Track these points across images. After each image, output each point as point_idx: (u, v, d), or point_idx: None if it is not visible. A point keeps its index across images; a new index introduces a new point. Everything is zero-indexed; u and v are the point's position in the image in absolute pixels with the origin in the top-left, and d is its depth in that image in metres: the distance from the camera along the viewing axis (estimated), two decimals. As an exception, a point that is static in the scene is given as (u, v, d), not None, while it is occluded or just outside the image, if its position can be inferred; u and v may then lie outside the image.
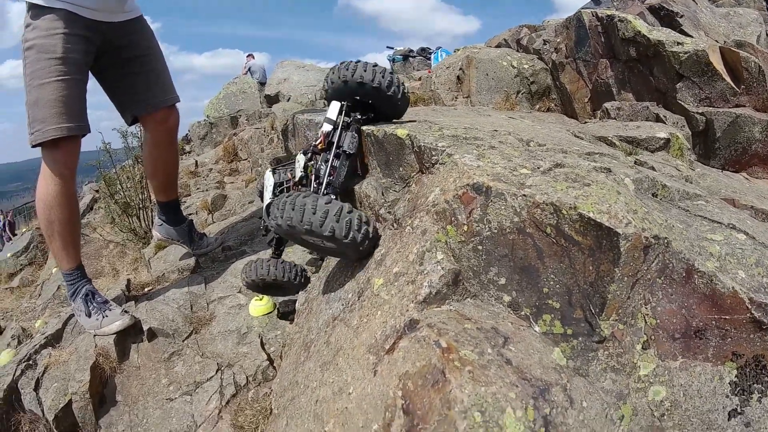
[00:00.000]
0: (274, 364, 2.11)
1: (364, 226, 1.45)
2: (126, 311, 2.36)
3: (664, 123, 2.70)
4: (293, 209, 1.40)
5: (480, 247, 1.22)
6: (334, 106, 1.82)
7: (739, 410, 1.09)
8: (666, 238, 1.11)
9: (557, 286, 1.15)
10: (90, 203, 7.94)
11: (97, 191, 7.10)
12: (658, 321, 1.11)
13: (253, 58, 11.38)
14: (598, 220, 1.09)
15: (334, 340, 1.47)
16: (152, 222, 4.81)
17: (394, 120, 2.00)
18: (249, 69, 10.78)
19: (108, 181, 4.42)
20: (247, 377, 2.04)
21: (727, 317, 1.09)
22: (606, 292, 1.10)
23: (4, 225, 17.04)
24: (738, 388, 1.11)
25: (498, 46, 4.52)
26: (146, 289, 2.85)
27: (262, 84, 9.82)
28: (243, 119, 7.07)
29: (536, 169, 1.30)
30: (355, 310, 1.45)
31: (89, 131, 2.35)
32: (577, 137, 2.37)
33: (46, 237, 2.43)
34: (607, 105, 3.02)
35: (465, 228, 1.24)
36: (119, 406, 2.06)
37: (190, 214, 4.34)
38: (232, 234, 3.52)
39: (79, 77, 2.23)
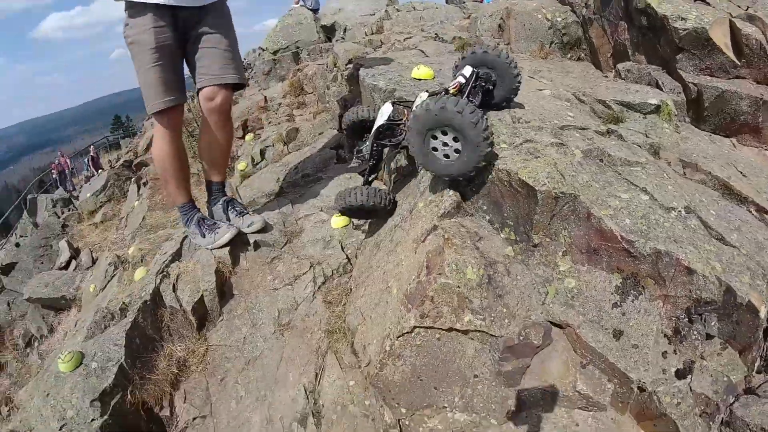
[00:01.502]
0: (351, 261, 3.06)
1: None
2: (232, 225, 3.24)
3: (661, 89, 3.36)
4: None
5: (474, 188, 2.20)
6: (467, 69, 2.39)
7: (619, 304, 2.04)
8: (573, 194, 2.05)
9: (512, 213, 2.14)
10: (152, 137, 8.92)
11: None
12: (572, 240, 2.08)
13: None
14: (527, 182, 2.06)
15: (396, 237, 2.54)
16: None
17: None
18: None
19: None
20: (332, 270, 3.01)
21: (610, 245, 2.02)
22: (533, 219, 2.09)
23: (89, 160, 19.27)
24: (620, 290, 2.05)
25: (543, -7, 5.10)
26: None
27: (316, 11, 10.42)
28: (305, 54, 7.92)
29: (511, 144, 2.26)
30: (407, 220, 2.50)
31: (185, 100, 3.12)
32: (580, 100, 3.15)
33: (162, 182, 3.36)
34: (620, 66, 3.69)
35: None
36: (236, 297, 3.09)
37: (267, 146, 5.33)
38: (308, 163, 4.41)
39: (171, 60, 2.94)
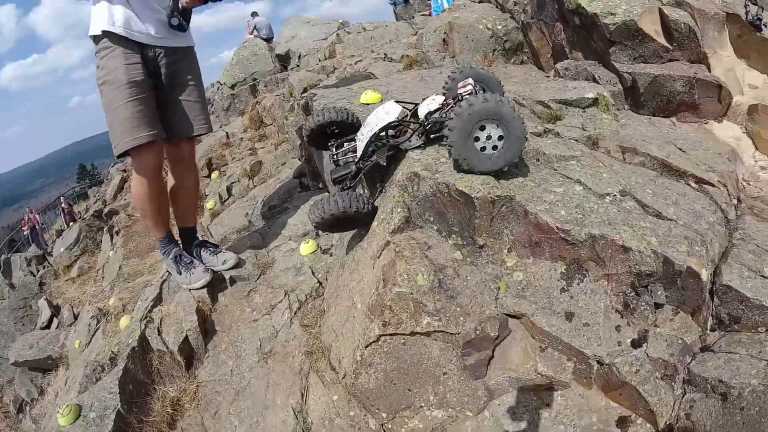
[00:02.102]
0: (322, 284, 3.23)
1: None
2: (207, 269, 3.29)
3: (598, 83, 3.62)
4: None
5: (419, 202, 2.38)
6: (470, 80, 2.56)
7: (566, 288, 2.24)
8: (509, 195, 2.27)
9: (456, 220, 2.33)
10: (120, 183, 9.10)
11: (124, 171, 8.18)
12: (515, 237, 2.29)
13: (257, 15, 12.02)
14: (464, 191, 2.26)
15: (357, 257, 2.71)
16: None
17: None
18: (255, 27, 11.54)
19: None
20: (305, 295, 3.17)
21: (549, 236, 2.23)
22: (474, 223, 2.30)
23: (63, 212, 19.32)
24: (565, 276, 2.25)
25: (481, 1, 5.38)
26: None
27: (270, 39, 10.75)
28: (262, 86, 8.14)
29: (450, 158, 2.44)
30: (365, 240, 2.67)
31: (163, 136, 2.98)
32: (519, 104, 3.36)
33: (141, 218, 3.34)
34: (558, 65, 3.95)
35: (411, 193, 2.40)
36: (219, 333, 3.23)
37: (233, 183, 5.50)
38: (274, 195, 4.60)
39: (146, 96, 2.87)
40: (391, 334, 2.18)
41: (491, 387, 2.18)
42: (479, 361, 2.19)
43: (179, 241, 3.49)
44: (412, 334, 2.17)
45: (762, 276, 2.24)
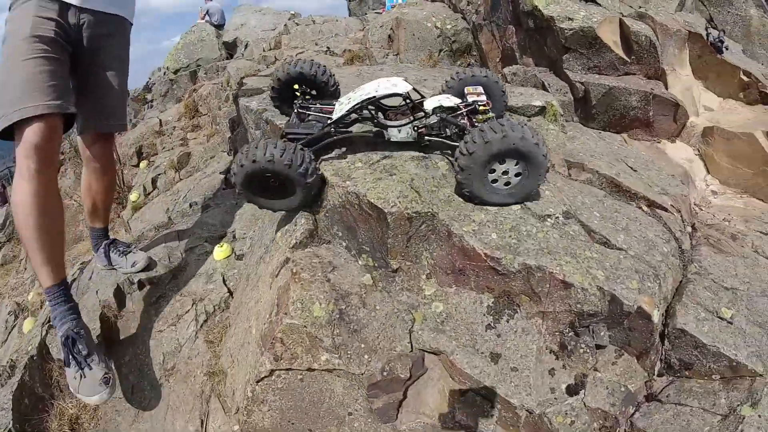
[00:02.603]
0: (233, 295, 2.85)
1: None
2: (108, 373, 2.25)
3: (547, 90, 3.35)
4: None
5: (327, 214, 2.01)
6: (479, 88, 2.42)
7: (493, 325, 1.89)
8: (430, 212, 1.94)
9: (367, 237, 1.96)
10: (61, 162, 8.44)
11: (62, 153, 7.59)
12: (435, 261, 1.91)
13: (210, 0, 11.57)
14: (376, 204, 1.88)
15: (259, 271, 2.30)
16: (123, 181, 5.51)
17: None
18: (207, 12, 11.03)
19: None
20: (214, 306, 2.78)
21: (475, 263, 1.87)
22: (387, 243, 1.91)
23: None
24: (493, 310, 1.91)
25: (434, 0, 5.09)
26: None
27: (221, 26, 10.31)
28: (202, 73, 7.65)
29: (367, 162, 2.10)
30: (268, 252, 2.27)
31: (70, 110, 2.18)
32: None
33: (23, 246, 2.53)
34: (506, 70, 3.67)
35: (319, 202, 2.01)
36: (124, 343, 2.82)
37: (159, 174, 5.04)
38: (197, 190, 4.18)
39: (50, 55, 2.10)
40: (285, 369, 1.82)
41: (403, 432, 1.82)
42: (388, 404, 1.83)
43: (77, 306, 2.50)
44: (310, 370, 1.81)
45: (719, 317, 1.99)
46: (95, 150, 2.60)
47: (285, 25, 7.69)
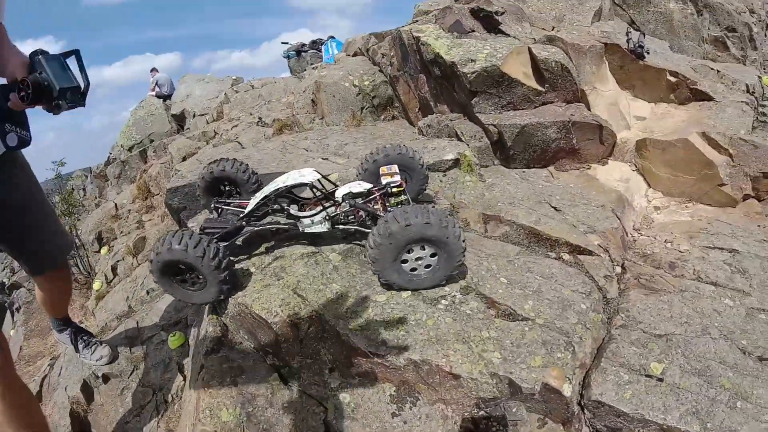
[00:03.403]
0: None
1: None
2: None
3: (461, 139, 3.28)
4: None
5: (231, 320, 2.09)
6: (395, 167, 2.41)
7: (397, 413, 1.78)
8: (315, 314, 1.96)
9: (267, 340, 2.00)
10: None
11: None
12: (333, 356, 1.92)
13: (157, 71, 11.83)
14: (261, 315, 1.96)
15: (194, 366, 2.25)
16: (89, 266, 5.50)
17: None
18: (156, 83, 11.35)
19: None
20: (172, 395, 2.81)
21: (367, 359, 1.81)
22: (282, 347, 1.97)
23: None
24: (395, 399, 1.81)
25: (355, 54, 5.09)
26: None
27: (171, 96, 10.58)
28: (151, 152, 7.68)
29: (259, 267, 2.13)
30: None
31: None
32: None
33: None
34: (420, 123, 3.62)
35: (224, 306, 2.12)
36: None
37: (118, 261, 5.03)
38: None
39: None
40: None
41: None
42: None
43: None
44: None
45: (647, 376, 1.87)
46: (46, 285, 2.55)
47: (225, 93, 7.76)
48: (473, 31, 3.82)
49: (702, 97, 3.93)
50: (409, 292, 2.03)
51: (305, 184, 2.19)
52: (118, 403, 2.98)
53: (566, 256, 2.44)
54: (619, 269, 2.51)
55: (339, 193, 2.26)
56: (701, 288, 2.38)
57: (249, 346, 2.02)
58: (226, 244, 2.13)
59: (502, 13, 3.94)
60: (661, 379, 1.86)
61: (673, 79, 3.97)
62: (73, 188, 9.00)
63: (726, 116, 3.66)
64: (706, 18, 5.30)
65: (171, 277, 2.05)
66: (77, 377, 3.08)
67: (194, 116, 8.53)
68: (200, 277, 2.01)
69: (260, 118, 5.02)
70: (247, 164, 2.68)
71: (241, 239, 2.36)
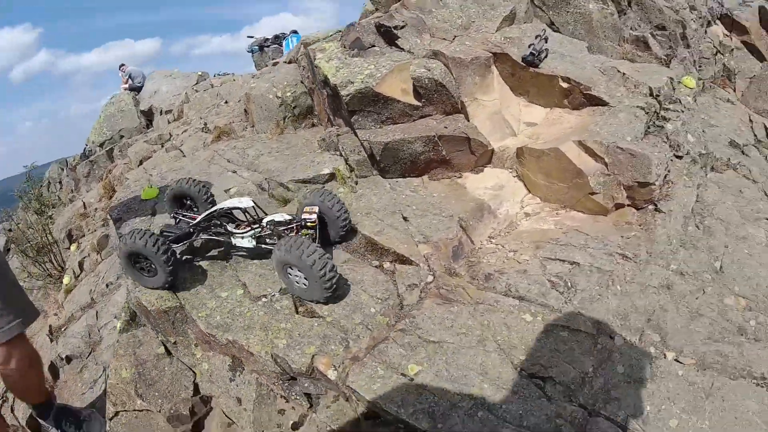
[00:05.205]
0: None
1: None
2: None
3: (341, 154, 3.96)
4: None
5: (136, 307, 3.16)
6: (316, 208, 3.15)
7: (233, 378, 2.84)
8: (178, 305, 2.95)
9: (155, 323, 3.06)
10: (6, 245, 9.40)
11: (10, 230, 8.50)
12: (195, 335, 3.00)
13: (127, 66, 12.57)
14: (143, 303, 2.99)
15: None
16: (62, 262, 6.44)
17: None
18: (130, 76, 12.12)
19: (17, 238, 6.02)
20: None
21: (209, 339, 2.76)
22: (161, 326, 3.04)
23: None
24: (232, 368, 2.86)
25: (290, 62, 5.76)
26: (62, 329, 4.53)
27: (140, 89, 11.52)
28: (117, 151, 8.58)
29: None
30: None
31: None
32: (262, 189, 3.78)
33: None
34: (318, 137, 4.29)
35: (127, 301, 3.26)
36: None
37: (84, 257, 5.91)
38: (111, 270, 5.00)
39: None
40: (122, 411, 2.86)
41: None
42: (183, 432, 2.80)
43: None
44: (136, 410, 2.83)
45: (401, 374, 2.40)
46: (10, 358, 2.59)
47: (186, 93, 8.56)
48: (373, 46, 4.46)
49: (597, 102, 4.26)
50: (242, 291, 2.99)
51: (239, 208, 3.11)
52: (77, 379, 3.81)
53: (387, 265, 3.10)
54: (430, 278, 3.06)
55: (265, 219, 3.08)
56: (502, 302, 2.87)
57: (148, 326, 3.04)
58: (175, 245, 3.06)
59: (402, 27, 4.50)
60: (412, 379, 2.35)
61: (565, 85, 4.31)
62: (49, 182, 10.00)
63: (616, 122, 3.97)
64: (630, 17, 5.67)
65: (133, 263, 2.94)
66: (46, 359, 3.99)
67: (161, 113, 9.37)
68: (153, 266, 2.89)
69: (205, 124, 5.77)
70: (203, 183, 3.55)
71: (188, 243, 3.29)
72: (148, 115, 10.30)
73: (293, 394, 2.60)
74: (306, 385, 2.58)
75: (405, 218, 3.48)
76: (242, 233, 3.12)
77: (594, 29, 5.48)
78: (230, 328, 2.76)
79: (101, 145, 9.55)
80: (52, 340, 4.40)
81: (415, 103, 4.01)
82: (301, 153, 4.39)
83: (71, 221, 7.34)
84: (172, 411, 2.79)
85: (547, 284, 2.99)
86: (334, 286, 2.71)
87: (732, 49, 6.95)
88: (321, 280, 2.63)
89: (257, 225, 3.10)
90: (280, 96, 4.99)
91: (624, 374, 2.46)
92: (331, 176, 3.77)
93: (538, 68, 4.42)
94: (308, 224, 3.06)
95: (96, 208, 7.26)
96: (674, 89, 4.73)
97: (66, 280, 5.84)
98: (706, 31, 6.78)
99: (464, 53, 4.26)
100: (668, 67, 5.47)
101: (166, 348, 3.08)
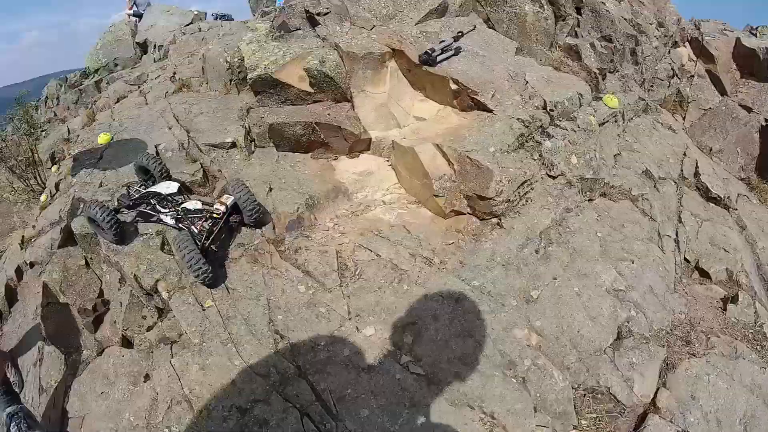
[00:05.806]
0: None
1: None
2: None
3: (245, 127, 4.82)
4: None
5: None
6: (230, 199, 3.95)
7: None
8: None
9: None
10: None
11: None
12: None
13: None
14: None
15: None
16: (44, 180, 7.23)
17: None
18: (135, 2, 12.64)
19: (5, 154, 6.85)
20: None
21: None
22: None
23: None
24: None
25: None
26: (33, 240, 5.18)
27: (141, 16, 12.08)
28: (104, 83, 9.52)
29: None
30: None
31: None
32: (184, 148, 4.69)
33: None
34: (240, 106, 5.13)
35: None
36: (19, 303, 4.80)
37: (61, 179, 6.34)
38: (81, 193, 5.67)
39: None
40: (52, 303, 4.18)
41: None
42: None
43: None
44: (58, 303, 4.17)
45: (201, 305, 3.56)
46: None
47: (174, 34, 9.36)
48: (299, 29, 5.17)
49: (483, 107, 4.58)
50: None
51: (159, 194, 4.05)
52: (36, 281, 4.65)
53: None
54: (257, 241, 3.97)
55: (184, 205, 3.99)
56: (291, 272, 3.71)
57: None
58: (118, 214, 4.01)
59: (326, 14, 5.11)
60: (204, 309, 3.55)
61: (454, 87, 4.68)
62: (47, 98, 10.85)
63: (490, 130, 4.21)
64: (568, 24, 5.83)
65: (91, 221, 3.92)
66: (13, 264, 4.96)
67: (155, 48, 10.13)
68: (103, 228, 3.82)
69: (174, 73, 6.61)
70: (160, 159, 4.45)
71: (130, 214, 4.15)
72: (143, 47, 11.03)
73: (150, 305, 3.72)
74: (157, 300, 3.69)
75: (270, 189, 4.37)
76: (165, 212, 3.99)
77: (527, 31, 5.76)
78: (119, 252, 3.87)
79: (96, 71, 10.36)
80: (21, 248, 5.23)
81: (309, 90, 4.79)
82: (227, 117, 5.17)
83: (55, 145, 8.03)
84: (81, 306, 3.98)
85: (336, 267, 3.73)
86: (201, 276, 3.57)
87: (692, 76, 6.91)
88: (189, 270, 3.57)
89: (175, 210, 3.99)
90: (228, 61, 5.73)
91: (347, 357, 3.24)
92: (233, 144, 4.67)
93: (432, 67, 4.79)
94: (214, 215, 3.86)
95: (78, 135, 7.75)
96: (580, 106, 4.80)
97: (43, 197, 6.39)
98: (669, 51, 6.82)
99: (360, 47, 4.79)
100: (602, 80, 5.56)
101: (86, 261, 4.26)
